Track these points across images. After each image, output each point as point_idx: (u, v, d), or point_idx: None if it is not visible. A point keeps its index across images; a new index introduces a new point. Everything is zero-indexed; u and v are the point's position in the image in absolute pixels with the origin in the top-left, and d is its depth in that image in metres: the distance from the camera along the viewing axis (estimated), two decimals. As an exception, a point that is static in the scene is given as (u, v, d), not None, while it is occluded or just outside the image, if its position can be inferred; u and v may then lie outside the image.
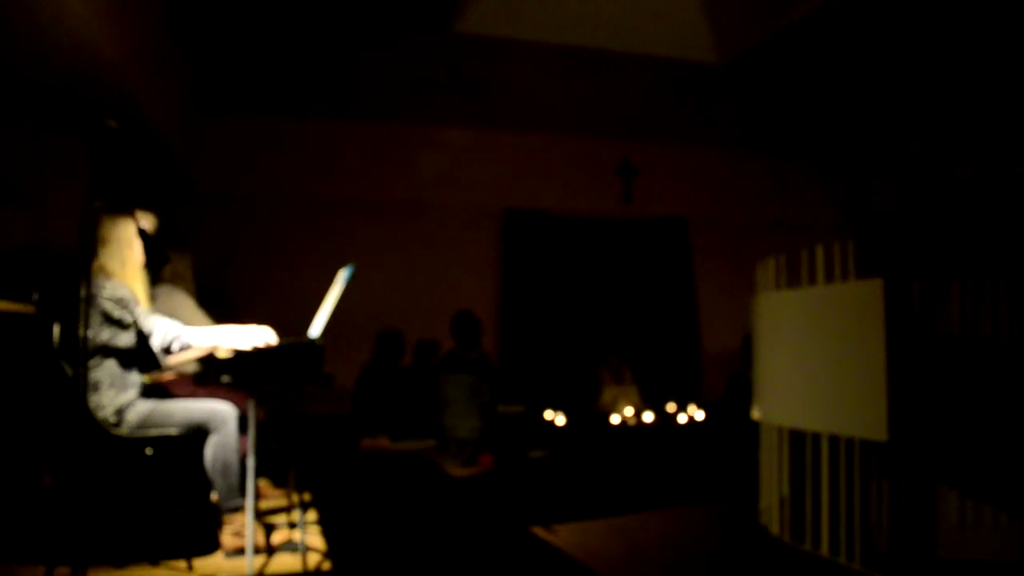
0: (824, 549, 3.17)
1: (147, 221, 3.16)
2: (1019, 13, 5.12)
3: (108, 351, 2.95)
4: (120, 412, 2.94)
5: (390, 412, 6.10)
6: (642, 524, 3.85)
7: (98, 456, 2.90)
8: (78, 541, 2.55)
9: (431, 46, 5.95)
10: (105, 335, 2.93)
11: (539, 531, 3.60)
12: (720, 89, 6.81)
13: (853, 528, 3.04)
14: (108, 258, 3.03)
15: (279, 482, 4.25)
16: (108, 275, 3.00)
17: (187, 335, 3.01)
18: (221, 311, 3.97)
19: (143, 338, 3.03)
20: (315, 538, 3.38)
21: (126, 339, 2.99)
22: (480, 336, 5.88)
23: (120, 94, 4.42)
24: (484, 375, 5.63)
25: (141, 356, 3.06)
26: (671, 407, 6.95)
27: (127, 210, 3.05)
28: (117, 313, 2.95)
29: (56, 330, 2.92)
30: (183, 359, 3.34)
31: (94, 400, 2.90)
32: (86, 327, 2.46)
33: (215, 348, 2.97)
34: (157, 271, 3.70)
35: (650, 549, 3.43)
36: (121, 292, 2.99)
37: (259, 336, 2.92)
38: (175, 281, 3.88)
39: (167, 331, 3.01)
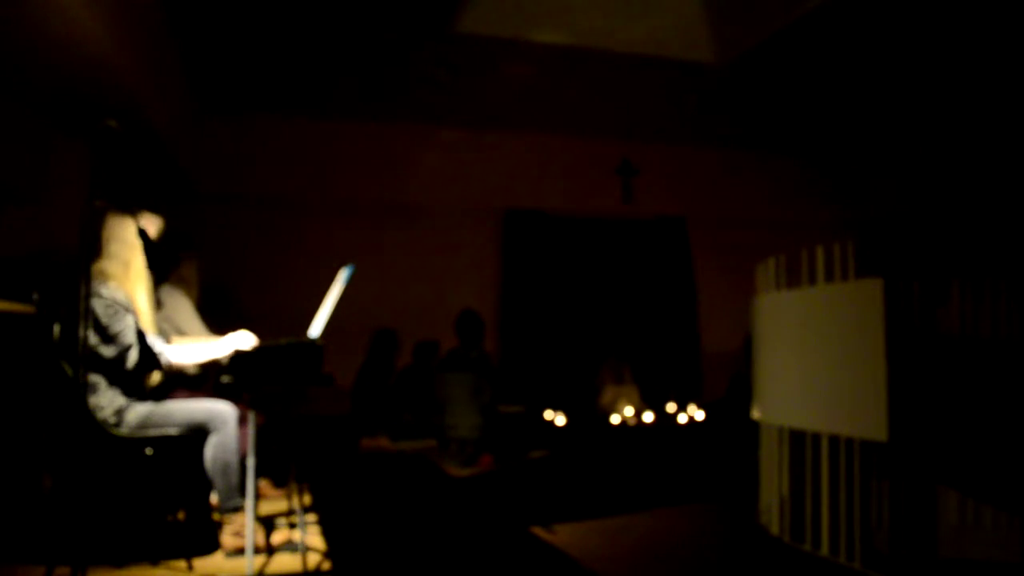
0: (824, 549, 3.17)
1: (153, 222, 3.14)
2: (1019, 13, 5.12)
3: (96, 356, 2.89)
4: (120, 412, 2.93)
5: (390, 412, 6.10)
6: (642, 524, 3.85)
7: (98, 456, 2.89)
8: (78, 541, 2.55)
9: (431, 46, 5.95)
10: (92, 340, 2.85)
11: (539, 531, 3.61)
12: (719, 89, 6.81)
13: (853, 528, 3.04)
14: (110, 260, 2.96)
15: (279, 482, 4.25)
16: (107, 278, 2.94)
17: (168, 355, 3.01)
18: (226, 312, 3.98)
19: (123, 353, 2.91)
20: (315, 538, 3.39)
21: (108, 351, 2.90)
22: (483, 336, 5.88)
23: (120, 94, 4.42)
24: (485, 374, 5.63)
25: (126, 371, 2.95)
26: (671, 407, 6.95)
27: (131, 211, 3.01)
28: (105, 320, 2.87)
29: (56, 330, 2.91)
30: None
31: (93, 401, 2.89)
32: (86, 327, 2.45)
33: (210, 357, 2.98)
34: (163, 273, 3.70)
35: (650, 549, 3.42)
36: (113, 300, 2.90)
37: (238, 342, 2.93)
38: (178, 284, 3.88)
39: (148, 349, 2.96)
